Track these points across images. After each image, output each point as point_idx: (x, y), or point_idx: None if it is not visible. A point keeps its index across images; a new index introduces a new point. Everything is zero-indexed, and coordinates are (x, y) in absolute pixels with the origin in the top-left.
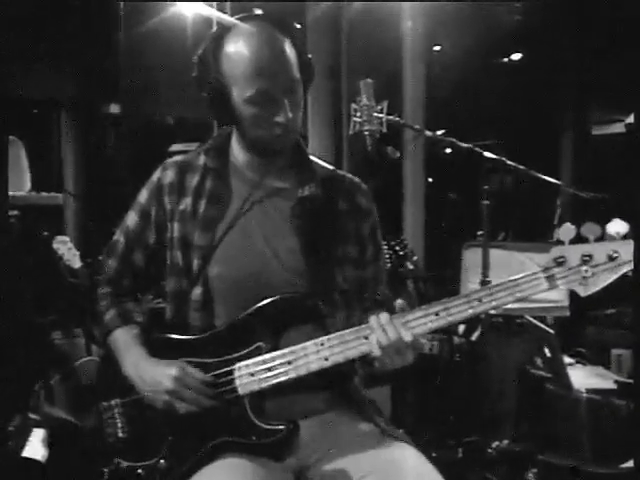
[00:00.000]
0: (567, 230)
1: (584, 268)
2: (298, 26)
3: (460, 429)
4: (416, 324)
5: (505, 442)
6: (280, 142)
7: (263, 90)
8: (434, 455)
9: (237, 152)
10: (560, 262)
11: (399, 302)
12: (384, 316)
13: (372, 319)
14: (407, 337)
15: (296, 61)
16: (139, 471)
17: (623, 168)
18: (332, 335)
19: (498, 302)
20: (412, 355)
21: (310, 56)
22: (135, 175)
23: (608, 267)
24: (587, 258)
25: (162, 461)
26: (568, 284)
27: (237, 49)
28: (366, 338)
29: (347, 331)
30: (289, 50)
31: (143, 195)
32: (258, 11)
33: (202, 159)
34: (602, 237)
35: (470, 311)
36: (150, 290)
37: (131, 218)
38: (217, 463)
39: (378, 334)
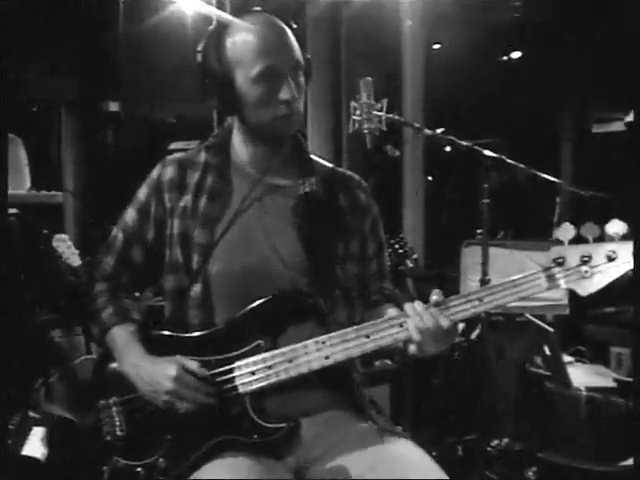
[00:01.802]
0: (566, 230)
1: (584, 268)
2: (294, 25)
3: (460, 427)
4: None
5: (505, 440)
6: (284, 125)
7: (270, 65)
8: (434, 454)
9: (238, 148)
10: (560, 262)
11: (435, 292)
12: (419, 303)
13: (407, 306)
14: (445, 323)
15: (299, 49)
16: (138, 469)
17: (623, 167)
18: (334, 333)
19: (498, 302)
20: (450, 341)
21: (309, 56)
22: (134, 173)
23: (607, 267)
24: (586, 258)
25: (161, 460)
26: (568, 284)
27: (241, 33)
28: (401, 326)
29: (349, 329)
30: (292, 35)
31: (142, 192)
32: (257, 9)
33: (203, 156)
34: (601, 237)
35: (472, 310)
36: (148, 287)
37: (130, 214)
38: (217, 461)
39: (415, 320)
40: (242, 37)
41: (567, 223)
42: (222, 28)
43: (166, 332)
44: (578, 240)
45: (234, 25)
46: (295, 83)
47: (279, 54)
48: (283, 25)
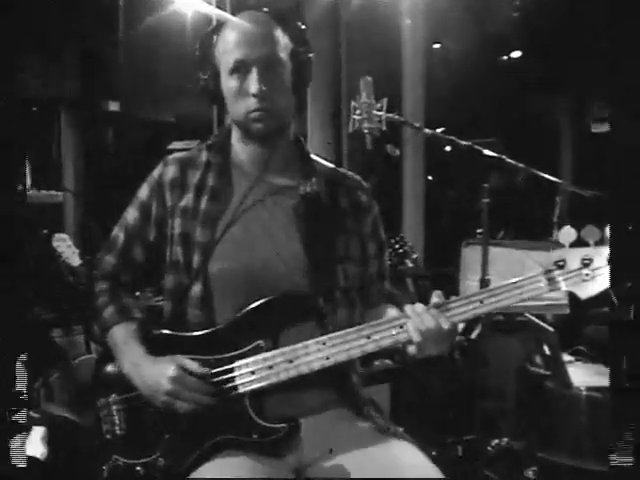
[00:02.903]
0: (567, 233)
1: (584, 271)
2: (303, 27)
3: (460, 427)
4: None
5: (505, 440)
6: (257, 120)
7: (240, 60)
8: (434, 453)
9: (238, 148)
10: (560, 265)
11: (436, 293)
12: (419, 305)
13: (408, 308)
14: (445, 324)
15: (286, 48)
16: (138, 468)
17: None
18: (334, 334)
19: (499, 304)
20: (450, 343)
21: (311, 55)
22: (134, 172)
23: (607, 270)
24: (587, 261)
25: (161, 458)
26: (568, 287)
27: (226, 31)
28: (401, 327)
29: (350, 330)
30: (278, 34)
31: (143, 191)
32: (265, 9)
33: (204, 155)
34: (602, 240)
35: (472, 312)
36: (149, 287)
37: (131, 214)
38: (216, 461)
39: (416, 322)
40: (226, 34)
41: (568, 227)
42: (217, 26)
43: (167, 331)
44: (579, 243)
45: (224, 23)
46: (266, 78)
47: (248, 48)
48: (271, 22)
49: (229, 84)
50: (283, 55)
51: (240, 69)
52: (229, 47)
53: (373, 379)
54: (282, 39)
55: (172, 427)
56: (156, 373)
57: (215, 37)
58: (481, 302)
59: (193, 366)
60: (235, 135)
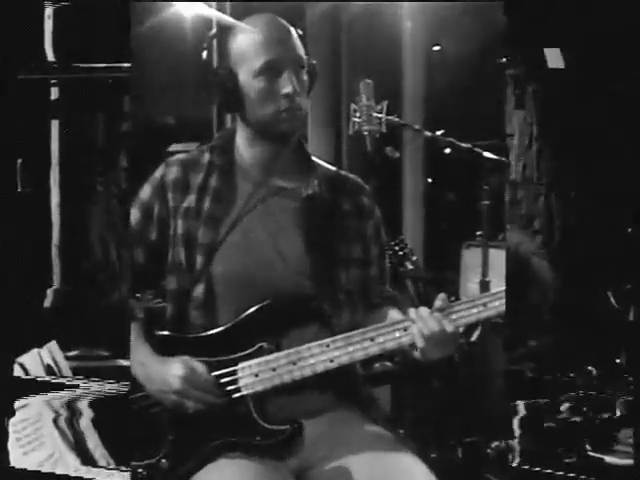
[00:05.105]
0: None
1: None
2: (300, 32)
3: (460, 429)
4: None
5: (505, 442)
6: (286, 119)
7: (270, 60)
8: (434, 455)
9: (242, 149)
10: None
11: (440, 297)
12: (423, 309)
13: (412, 312)
14: (449, 328)
15: (303, 50)
16: (140, 470)
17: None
18: (338, 336)
19: (503, 308)
20: (454, 346)
21: (315, 62)
22: (134, 174)
23: None
24: None
25: (163, 460)
26: None
27: (245, 31)
28: (405, 330)
29: (353, 332)
30: (296, 35)
31: (145, 192)
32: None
33: (207, 157)
34: None
35: (476, 316)
36: (150, 288)
37: (132, 215)
38: (219, 462)
39: (419, 326)
40: (246, 34)
41: None
42: (226, 27)
43: (169, 332)
44: None
45: (239, 24)
46: (296, 78)
47: (280, 49)
48: (287, 24)
49: (255, 85)
50: (304, 56)
51: (271, 70)
52: (255, 48)
53: (373, 381)
54: (299, 41)
55: (175, 429)
56: (165, 372)
57: (228, 38)
58: (485, 305)
59: (201, 367)
60: (243, 136)
